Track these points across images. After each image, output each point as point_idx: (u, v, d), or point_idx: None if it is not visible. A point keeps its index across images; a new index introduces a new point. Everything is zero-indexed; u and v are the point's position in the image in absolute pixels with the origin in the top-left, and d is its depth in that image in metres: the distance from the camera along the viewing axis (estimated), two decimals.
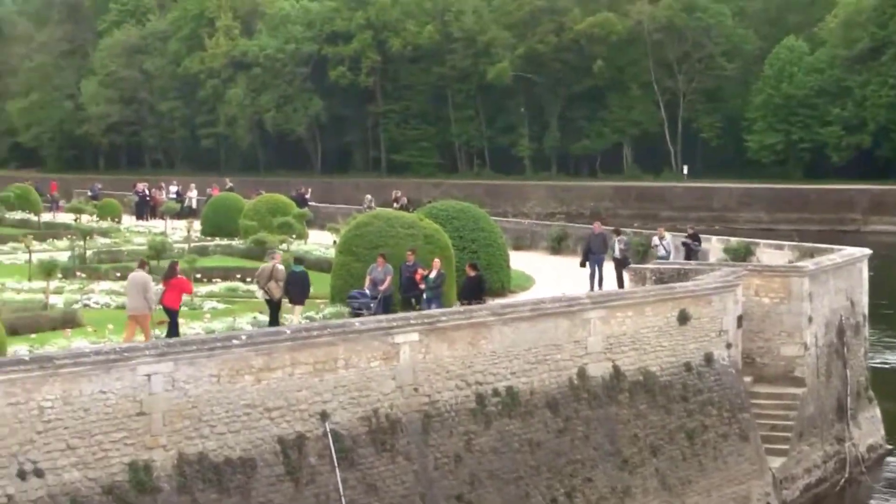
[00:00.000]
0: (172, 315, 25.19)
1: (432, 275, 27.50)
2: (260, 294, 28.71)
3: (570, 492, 24.33)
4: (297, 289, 27.40)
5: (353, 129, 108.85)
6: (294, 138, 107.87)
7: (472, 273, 27.00)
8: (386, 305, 27.30)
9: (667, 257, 35.35)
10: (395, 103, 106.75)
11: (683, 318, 27.69)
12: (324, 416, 20.83)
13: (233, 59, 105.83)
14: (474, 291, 26.56)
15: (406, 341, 22.39)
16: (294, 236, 42.92)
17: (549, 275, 37.92)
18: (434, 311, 24.54)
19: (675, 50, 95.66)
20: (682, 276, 30.18)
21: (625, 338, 26.51)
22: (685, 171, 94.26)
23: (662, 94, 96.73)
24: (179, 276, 26.05)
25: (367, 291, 27.55)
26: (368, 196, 58.96)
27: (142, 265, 25.61)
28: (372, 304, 26.93)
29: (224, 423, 19.39)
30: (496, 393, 23.67)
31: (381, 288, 27.47)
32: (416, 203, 52.05)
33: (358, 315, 25.51)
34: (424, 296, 27.39)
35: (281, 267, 27.87)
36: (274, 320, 26.72)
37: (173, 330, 24.77)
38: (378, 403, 21.77)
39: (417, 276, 27.68)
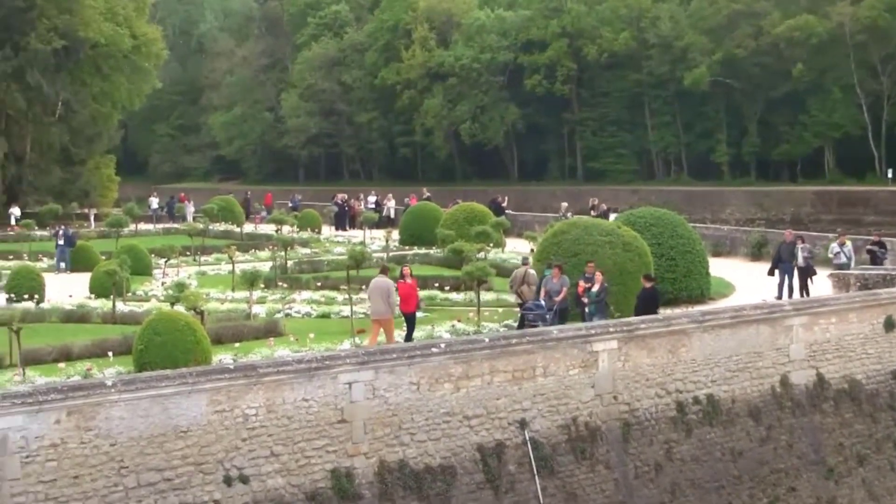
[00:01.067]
0: (409, 318, 26.06)
1: (595, 288, 26.88)
2: (513, 297, 29.56)
3: (773, 501, 23.81)
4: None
5: (549, 137, 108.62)
6: (490, 147, 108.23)
7: (648, 284, 26.32)
8: (562, 317, 26.90)
9: (847, 265, 34.10)
10: (591, 111, 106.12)
11: (890, 325, 26.80)
12: (523, 424, 20.80)
13: (429, 70, 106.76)
14: (649, 304, 25.82)
15: (605, 349, 22.21)
16: (491, 245, 43.02)
17: (748, 282, 37.08)
18: (633, 318, 24.23)
19: (878, 51, 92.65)
20: (888, 281, 29.22)
21: (828, 345, 25.85)
22: (889, 175, 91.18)
23: (865, 96, 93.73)
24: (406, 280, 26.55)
25: (543, 303, 27.23)
26: (565, 204, 58.67)
27: (383, 271, 26.29)
28: (547, 316, 26.56)
29: (424, 430, 19.51)
30: (697, 401, 23.30)
31: (557, 299, 27.11)
32: (615, 210, 51.61)
33: (532, 327, 25.23)
34: (587, 309, 26.78)
35: (532, 272, 28.20)
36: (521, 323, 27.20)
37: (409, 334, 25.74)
38: (577, 411, 21.64)
39: (579, 289, 27.22)
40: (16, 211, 63.11)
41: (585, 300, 26.91)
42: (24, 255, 45.66)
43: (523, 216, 62.36)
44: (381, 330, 24.96)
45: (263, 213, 68.83)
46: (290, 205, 72.16)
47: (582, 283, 27.21)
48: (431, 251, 44.90)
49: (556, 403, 21.36)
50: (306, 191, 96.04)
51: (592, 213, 50.67)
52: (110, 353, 22.94)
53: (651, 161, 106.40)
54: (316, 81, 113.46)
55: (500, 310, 29.68)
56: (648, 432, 22.55)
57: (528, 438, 20.76)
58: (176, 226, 60.39)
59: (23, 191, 69.93)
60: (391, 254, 43.92)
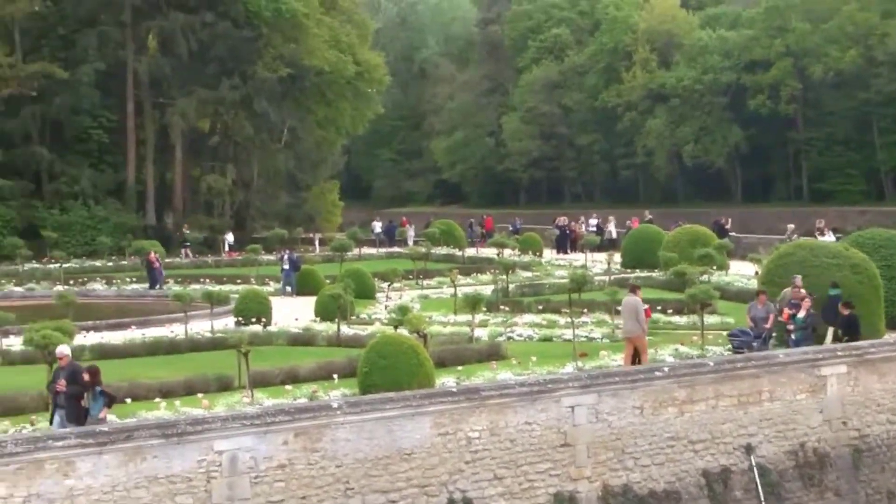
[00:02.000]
0: None
1: (801, 314, 25.82)
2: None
3: None
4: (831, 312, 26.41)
5: (773, 157, 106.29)
6: (713, 169, 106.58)
7: (846, 312, 25.17)
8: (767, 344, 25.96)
9: None
10: (817, 130, 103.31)
11: None
12: (748, 449, 20.38)
13: (650, 91, 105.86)
14: (847, 331, 24.65)
15: (833, 373, 21.61)
16: (715, 268, 42.32)
17: None
18: (862, 342, 23.44)
19: None
20: None
21: None
22: None
23: None
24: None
25: (749, 330, 26.50)
26: (791, 226, 57.29)
27: (633, 290, 26.20)
28: (754, 343, 25.80)
29: (648, 455, 19.30)
30: None
31: (767, 326, 26.29)
32: (842, 231, 50.14)
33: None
34: (793, 336, 25.67)
35: (803, 292, 27.52)
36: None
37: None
38: (805, 437, 21.09)
39: (784, 317, 26.26)
40: (229, 237, 65.07)
41: (791, 327, 25.95)
42: (252, 279, 47.05)
43: (747, 238, 61.11)
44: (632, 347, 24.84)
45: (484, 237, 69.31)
46: (511, 228, 72.49)
47: (787, 311, 26.30)
48: (654, 274, 44.45)
49: (783, 428, 20.86)
50: (527, 214, 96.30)
51: (818, 235, 49.31)
52: (335, 376, 23.43)
53: (880, 181, 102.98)
54: (537, 105, 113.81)
55: (725, 333, 29.09)
56: (880, 459, 21.81)
57: (754, 464, 20.33)
58: (399, 249, 61.29)
59: (251, 216, 72.09)
60: (613, 277, 43.65)
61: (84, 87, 56.03)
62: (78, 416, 18.14)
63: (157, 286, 44.35)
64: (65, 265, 49.89)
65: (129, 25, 58.39)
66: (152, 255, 46.42)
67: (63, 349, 19.77)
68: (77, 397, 18.25)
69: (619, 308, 27.98)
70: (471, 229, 71.28)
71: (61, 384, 18.48)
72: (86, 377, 18.26)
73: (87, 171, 58.21)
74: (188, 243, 60.24)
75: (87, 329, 30.70)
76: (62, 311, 30.81)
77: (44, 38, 58.48)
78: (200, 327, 32.24)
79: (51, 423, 18.75)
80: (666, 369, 20.05)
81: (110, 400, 18.42)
